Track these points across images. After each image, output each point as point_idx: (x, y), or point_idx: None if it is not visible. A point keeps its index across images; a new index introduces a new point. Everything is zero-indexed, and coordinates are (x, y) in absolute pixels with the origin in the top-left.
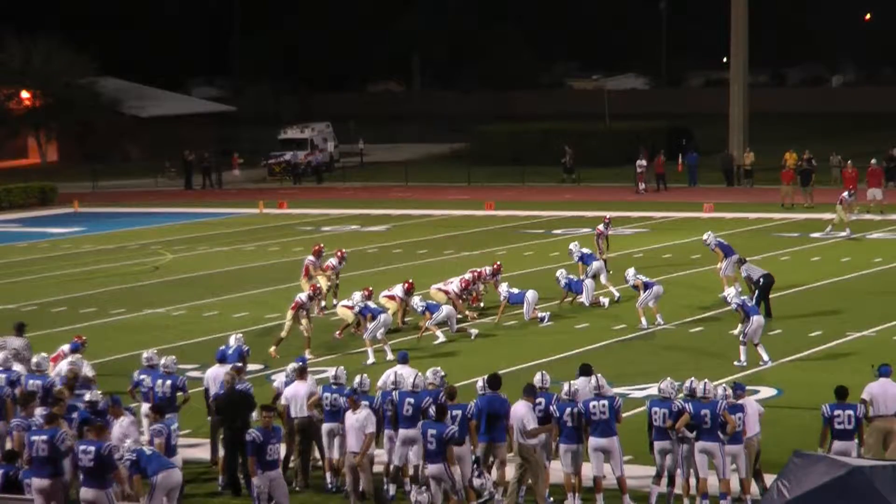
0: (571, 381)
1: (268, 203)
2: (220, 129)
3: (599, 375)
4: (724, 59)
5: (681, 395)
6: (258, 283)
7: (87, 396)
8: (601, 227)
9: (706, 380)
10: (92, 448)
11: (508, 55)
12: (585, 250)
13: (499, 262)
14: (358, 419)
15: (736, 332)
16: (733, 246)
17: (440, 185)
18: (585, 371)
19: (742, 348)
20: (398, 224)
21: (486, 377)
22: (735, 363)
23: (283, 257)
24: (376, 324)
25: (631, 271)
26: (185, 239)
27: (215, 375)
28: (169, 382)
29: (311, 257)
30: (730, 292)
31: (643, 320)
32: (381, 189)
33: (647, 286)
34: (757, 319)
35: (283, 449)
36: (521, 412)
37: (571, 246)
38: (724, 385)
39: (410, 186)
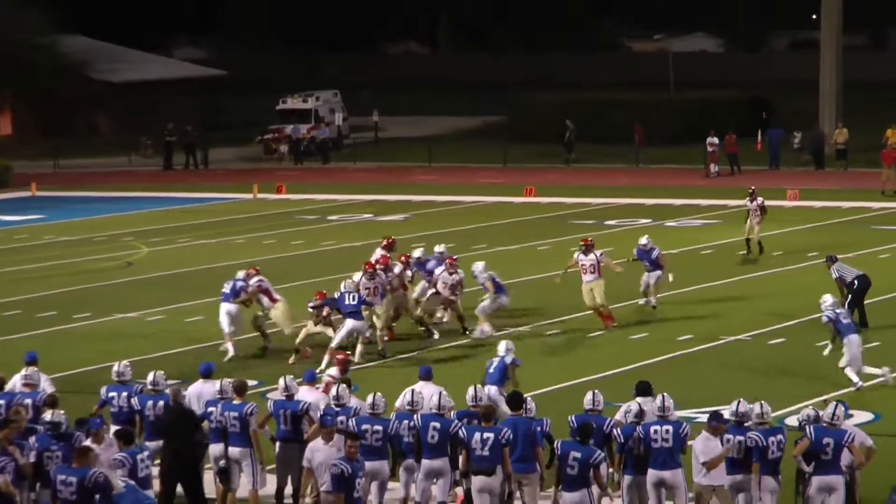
0: (633, 402)
1: (263, 187)
2: (207, 97)
3: (665, 395)
4: (814, 17)
5: (749, 422)
6: None
7: (48, 417)
8: (747, 200)
9: (835, 402)
10: (74, 478)
11: (553, 9)
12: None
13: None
14: (329, 455)
15: (841, 363)
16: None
17: (470, 166)
18: (643, 391)
19: (849, 370)
20: (419, 213)
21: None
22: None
23: (280, 252)
24: (345, 331)
25: (479, 265)
26: (163, 229)
27: (199, 393)
28: (161, 403)
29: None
30: (826, 300)
31: (484, 327)
32: (400, 170)
33: (497, 288)
34: (854, 339)
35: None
36: (697, 447)
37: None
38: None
39: (435, 167)
